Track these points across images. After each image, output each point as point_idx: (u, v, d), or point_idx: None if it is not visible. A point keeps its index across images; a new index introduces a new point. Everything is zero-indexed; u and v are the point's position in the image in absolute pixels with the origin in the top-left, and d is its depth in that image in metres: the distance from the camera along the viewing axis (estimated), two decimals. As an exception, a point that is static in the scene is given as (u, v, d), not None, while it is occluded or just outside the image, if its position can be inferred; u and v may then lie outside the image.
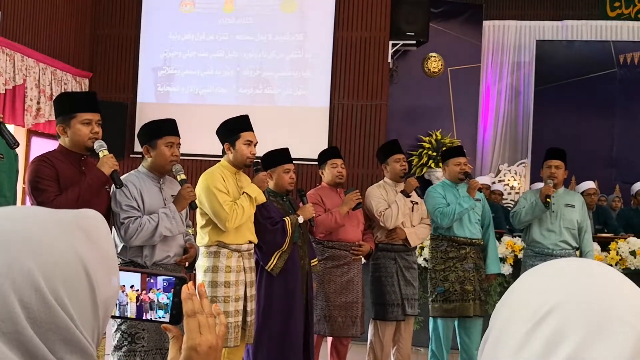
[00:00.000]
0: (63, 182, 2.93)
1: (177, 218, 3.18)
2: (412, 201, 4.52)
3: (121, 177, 3.19)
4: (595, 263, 0.72)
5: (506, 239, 5.74)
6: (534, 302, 0.67)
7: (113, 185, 3.13)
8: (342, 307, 4.20)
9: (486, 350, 0.71)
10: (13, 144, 2.92)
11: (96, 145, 3.04)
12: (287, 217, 3.86)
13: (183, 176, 3.29)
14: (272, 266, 3.79)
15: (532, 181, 8.35)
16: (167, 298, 1.02)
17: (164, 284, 1.02)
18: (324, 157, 4.48)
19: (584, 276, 0.69)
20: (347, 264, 4.27)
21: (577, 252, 4.59)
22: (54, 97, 4.90)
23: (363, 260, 4.46)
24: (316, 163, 4.60)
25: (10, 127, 6.15)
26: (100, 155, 3.04)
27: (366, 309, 4.57)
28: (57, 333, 0.68)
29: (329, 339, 4.38)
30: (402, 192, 4.43)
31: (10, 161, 3.27)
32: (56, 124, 3.05)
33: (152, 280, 1.02)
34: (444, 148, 8.09)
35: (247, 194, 3.58)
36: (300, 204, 4.10)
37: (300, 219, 3.91)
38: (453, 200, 4.48)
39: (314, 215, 4.04)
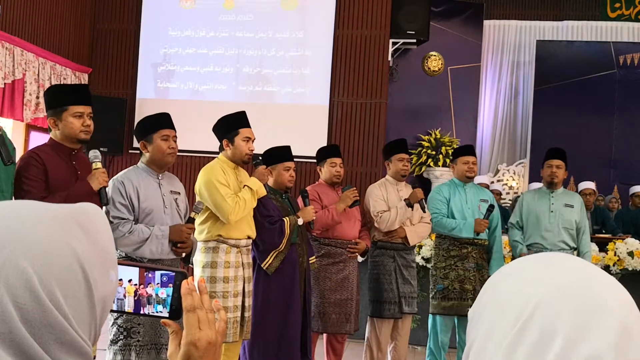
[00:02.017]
0: (52, 177, 2.92)
1: (165, 244, 3.16)
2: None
3: (119, 174, 3.19)
4: (563, 255, 0.71)
5: (504, 238, 5.74)
6: (516, 305, 0.66)
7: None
8: (337, 304, 4.21)
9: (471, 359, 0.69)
10: (7, 160, 2.86)
11: (91, 155, 3.03)
12: (287, 218, 3.86)
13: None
14: (267, 265, 3.79)
15: (531, 181, 8.35)
16: (165, 293, 1.02)
17: (163, 278, 1.02)
18: (324, 154, 4.47)
19: (560, 270, 0.68)
20: (342, 261, 4.27)
21: (575, 253, 4.60)
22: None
23: (359, 258, 4.46)
24: (315, 161, 4.59)
25: (9, 122, 6.15)
26: (93, 167, 3.02)
27: (364, 306, 4.57)
28: (52, 333, 0.67)
29: (325, 336, 4.38)
30: (405, 200, 4.42)
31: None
32: (47, 117, 3.03)
33: (150, 275, 1.02)
34: (446, 147, 8.15)
35: (248, 186, 3.58)
36: (302, 205, 4.09)
37: (300, 221, 3.91)
38: (457, 203, 4.51)
39: (314, 217, 4.04)
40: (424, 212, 4.46)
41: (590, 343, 0.60)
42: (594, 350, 0.60)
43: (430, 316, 4.60)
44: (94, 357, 3.15)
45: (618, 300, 0.64)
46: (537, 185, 6.55)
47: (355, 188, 4.30)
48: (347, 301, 4.24)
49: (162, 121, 3.32)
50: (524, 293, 0.66)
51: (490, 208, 4.50)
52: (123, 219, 3.11)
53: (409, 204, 4.40)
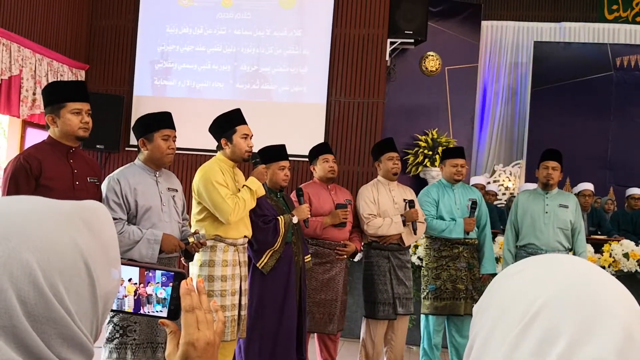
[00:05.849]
0: (48, 175, 2.90)
1: (156, 249, 3.15)
2: (405, 200, 4.52)
3: (115, 172, 3.20)
4: (572, 257, 0.72)
5: (500, 238, 5.75)
6: (522, 303, 0.66)
7: (104, 179, 3.15)
8: (321, 304, 4.22)
9: (473, 356, 0.69)
10: None
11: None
12: (281, 217, 3.85)
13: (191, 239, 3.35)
14: (263, 264, 3.79)
15: (527, 182, 8.36)
16: (165, 292, 1.02)
17: (163, 278, 1.02)
18: (315, 153, 4.48)
19: (567, 272, 0.68)
20: (330, 262, 4.27)
21: (570, 253, 4.61)
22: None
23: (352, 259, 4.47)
24: (312, 160, 4.59)
25: (5, 118, 6.12)
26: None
27: (359, 306, 4.57)
28: (54, 328, 0.67)
29: (316, 335, 4.39)
30: (402, 216, 4.43)
31: None
32: (45, 114, 3.02)
33: (150, 274, 1.02)
34: (443, 147, 8.14)
35: (247, 186, 3.58)
36: (297, 204, 4.09)
37: (295, 219, 3.90)
38: (447, 203, 4.52)
39: (309, 216, 4.04)
40: (415, 234, 4.45)
41: (593, 347, 0.60)
42: (596, 355, 0.60)
43: (423, 316, 4.61)
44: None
45: (623, 305, 0.64)
46: (530, 185, 6.56)
47: (348, 210, 4.30)
48: (332, 302, 4.24)
49: (164, 120, 3.32)
50: (531, 292, 0.66)
51: (474, 205, 4.52)
52: (115, 218, 3.10)
53: (404, 222, 4.41)
